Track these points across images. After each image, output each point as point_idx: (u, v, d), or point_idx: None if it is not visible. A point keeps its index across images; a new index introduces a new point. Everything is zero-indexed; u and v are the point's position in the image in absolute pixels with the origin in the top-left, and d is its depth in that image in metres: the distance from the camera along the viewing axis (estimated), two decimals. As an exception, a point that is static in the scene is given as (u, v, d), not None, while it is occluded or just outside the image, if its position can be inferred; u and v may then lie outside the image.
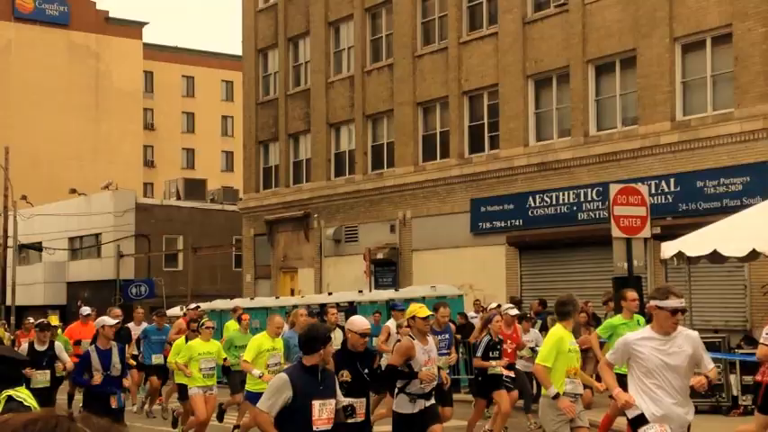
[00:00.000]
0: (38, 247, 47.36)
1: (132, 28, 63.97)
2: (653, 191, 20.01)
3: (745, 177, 19.90)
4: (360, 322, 8.14)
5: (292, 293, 30.36)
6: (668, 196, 21.32)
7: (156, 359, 17.64)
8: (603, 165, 22.73)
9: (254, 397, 10.78)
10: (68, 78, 60.21)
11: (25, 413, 1.46)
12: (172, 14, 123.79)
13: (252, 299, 27.60)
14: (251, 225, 34.83)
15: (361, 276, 28.11)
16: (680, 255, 15.90)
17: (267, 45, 34.68)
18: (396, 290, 23.78)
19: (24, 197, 42.13)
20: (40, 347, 12.84)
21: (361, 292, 23.88)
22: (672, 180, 21.32)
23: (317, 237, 31.44)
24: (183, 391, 14.07)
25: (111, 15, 63.90)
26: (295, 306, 21.92)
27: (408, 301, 21.32)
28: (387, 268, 28.65)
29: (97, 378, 11.23)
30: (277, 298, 26.97)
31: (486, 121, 26.37)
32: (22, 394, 5.84)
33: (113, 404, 11.27)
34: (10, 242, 41.63)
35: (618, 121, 23.05)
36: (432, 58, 27.93)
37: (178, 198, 47.83)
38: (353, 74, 30.71)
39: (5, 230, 41.42)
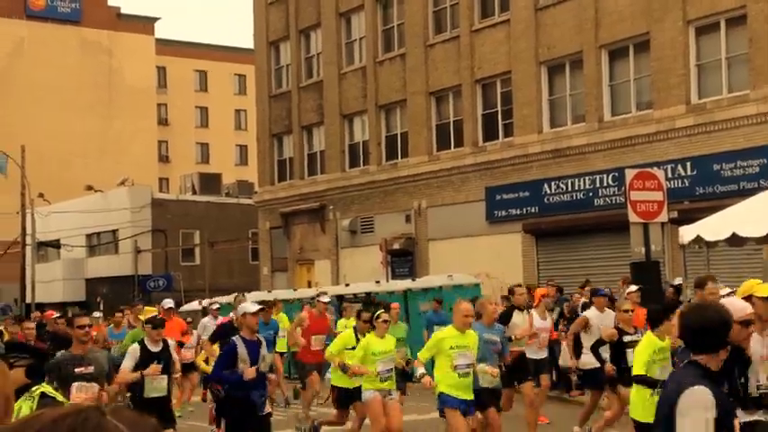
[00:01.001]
0: (56, 244, 47.66)
1: (144, 23, 64.12)
2: (669, 175, 19.90)
3: (762, 159, 19.78)
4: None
5: (309, 285, 30.40)
6: (685, 180, 21.21)
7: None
8: (618, 150, 22.63)
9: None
10: (81, 75, 60.44)
11: (55, 408, 1.45)
12: (183, 9, 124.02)
13: (269, 291, 27.65)
14: (267, 218, 34.90)
15: (377, 267, 28.12)
16: (698, 239, 15.83)
17: (279, 37, 34.67)
18: (412, 279, 23.77)
19: (41, 195, 42.37)
20: (154, 348, 10.18)
21: (378, 282, 23.87)
22: (688, 164, 21.20)
23: (333, 228, 31.48)
24: (344, 396, 12.31)
25: (122, 11, 64.10)
26: (313, 298, 21.97)
27: (425, 290, 21.35)
28: (403, 258, 28.66)
29: (250, 372, 9.47)
30: (294, 290, 27.02)
31: (499, 108, 26.29)
32: (52, 390, 5.91)
33: (266, 408, 9.81)
34: (28, 240, 41.89)
35: (632, 106, 22.93)
36: (444, 46, 27.85)
37: (193, 193, 47.99)
38: (365, 64, 30.67)
39: (23, 228, 41.70)
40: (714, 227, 15.78)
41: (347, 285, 25.03)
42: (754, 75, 20.14)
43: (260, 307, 10.28)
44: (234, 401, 9.65)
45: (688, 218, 17.36)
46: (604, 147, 23.06)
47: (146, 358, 9.99)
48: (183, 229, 45.96)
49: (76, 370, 6.33)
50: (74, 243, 46.97)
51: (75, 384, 6.26)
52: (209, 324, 16.79)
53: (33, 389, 5.82)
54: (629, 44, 22.88)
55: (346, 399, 12.42)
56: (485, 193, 26.06)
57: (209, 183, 48.71)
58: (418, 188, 28.30)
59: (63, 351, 8.56)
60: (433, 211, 27.85)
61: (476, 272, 23.67)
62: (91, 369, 6.46)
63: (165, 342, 10.36)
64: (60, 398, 5.80)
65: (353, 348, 11.41)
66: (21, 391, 5.78)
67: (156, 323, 10.43)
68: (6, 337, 19.65)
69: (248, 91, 60.92)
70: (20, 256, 42.59)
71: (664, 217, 16.44)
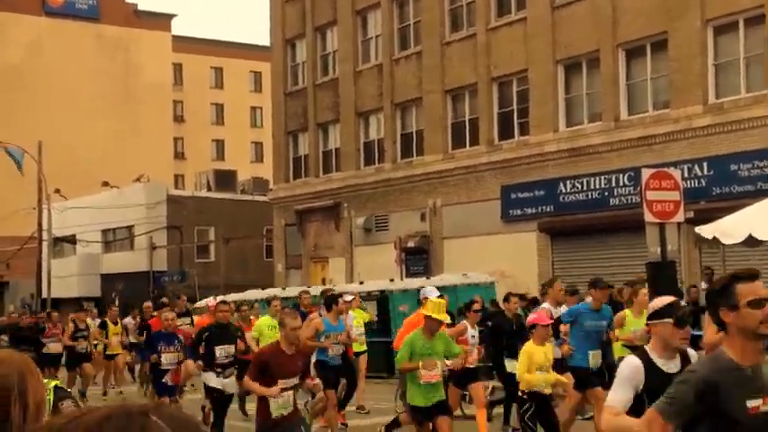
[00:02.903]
0: (72, 239, 47.88)
1: (161, 20, 64.30)
2: (686, 175, 19.80)
3: (780, 160, 19.65)
4: None
5: (323, 283, 30.43)
6: (701, 180, 21.11)
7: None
8: (635, 149, 22.53)
9: None
10: (98, 72, 60.68)
11: (96, 409, 1.39)
12: (200, 6, 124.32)
13: (283, 289, 27.70)
14: (281, 215, 34.96)
15: (392, 265, 28.12)
16: (714, 240, 15.74)
17: (295, 35, 34.71)
18: (427, 278, 23.75)
19: (57, 191, 42.57)
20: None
21: (392, 280, 23.88)
22: (705, 164, 21.09)
23: (348, 226, 31.50)
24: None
25: (139, 8, 64.30)
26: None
27: (440, 289, 21.31)
28: (418, 256, 28.64)
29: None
30: (309, 287, 27.05)
31: (515, 107, 26.23)
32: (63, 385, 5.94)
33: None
34: (44, 235, 42.11)
35: (649, 105, 22.83)
36: (460, 44, 27.80)
37: (209, 189, 48.11)
38: (381, 62, 30.66)
39: (40, 224, 41.90)
40: (730, 227, 15.69)
41: (361, 283, 25.04)
42: (772, 74, 20.01)
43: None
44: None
45: (704, 218, 17.28)
46: (621, 146, 22.97)
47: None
48: (198, 226, 46.07)
49: None
50: (89, 239, 47.18)
51: None
52: None
53: (45, 382, 5.81)
54: (646, 43, 22.77)
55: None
56: (500, 191, 26.01)
57: (225, 180, 48.83)
58: (433, 186, 28.27)
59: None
60: (448, 210, 27.81)
61: (491, 270, 23.64)
62: None
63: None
64: (73, 392, 5.82)
65: None
66: None
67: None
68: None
69: (264, 88, 60.98)
70: (36, 252, 42.81)
71: (680, 217, 16.35)
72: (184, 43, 65.55)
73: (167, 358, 12.88)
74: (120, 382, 20.82)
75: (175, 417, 1.38)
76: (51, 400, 5.67)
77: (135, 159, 57.95)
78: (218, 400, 12.17)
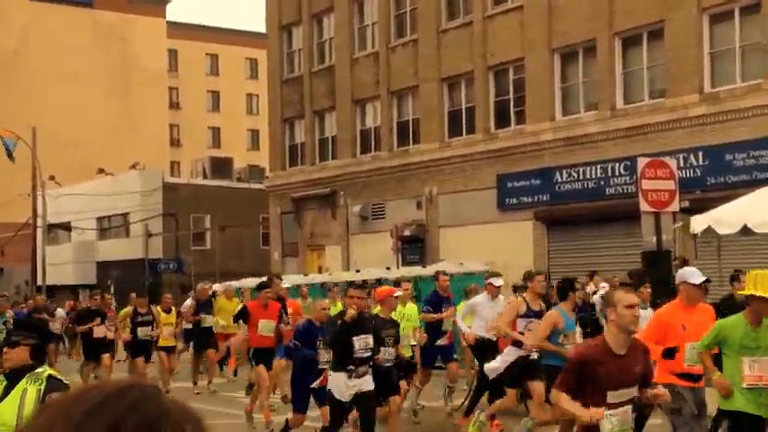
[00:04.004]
0: (67, 226, 47.81)
1: (155, 6, 64.08)
2: (681, 164, 19.85)
3: (775, 149, 19.69)
4: None
5: (320, 271, 30.50)
6: (697, 170, 21.16)
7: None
8: (631, 138, 22.57)
9: None
10: (93, 58, 60.50)
11: (115, 381, 1.37)
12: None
13: (280, 278, 27.72)
14: (277, 203, 34.97)
15: (388, 253, 28.17)
16: (709, 229, 15.80)
17: (291, 22, 34.63)
18: (423, 266, 23.81)
19: (52, 177, 42.50)
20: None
21: (388, 269, 23.92)
22: (700, 153, 21.14)
23: (344, 214, 31.53)
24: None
25: (134, -6, 64.05)
26: (323, 284, 22.04)
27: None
28: (414, 245, 28.69)
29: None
30: (305, 275, 27.10)
31: (511, 95, 26.24)
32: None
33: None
34: (39, 222, 42.07)
35: (645, 94, 22.85)
36: (456, 32, 27.78)
37: (205, 177, 48.08)
38: (378, 50, 30.62)
39: (34, 211, 41.86)
40: (725, 217, 15.76)
41: (357, 271, 25.08)
42: (768, 64, 20.04)
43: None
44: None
45: (700, 207, 17.34)
46: (617, 135, 23.01)
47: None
48: (193, 214, 46.07)
49: None
50: (84, 226, 47.15)
51: None
52: None
53: (40, 370, 5.79)
54: (642, 32, 22.78)
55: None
56: (496, 180, 26.04)
57: (221, 167, 48.80)
58: (430, 175, 28.30)
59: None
60: (445, 198, 27.85)
61: (487, 259, 23.68)
62: None
63: None
64: (67, 382, 5.81)
65: None
66: (23, 372, 5.76)
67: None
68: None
69: (260, 75, 60.87)
70: (30, 239, 42.78)
71: (675, 206, 16.41)
72: (179, 29, 65.35)
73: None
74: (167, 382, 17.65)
75: (179, 404, 1.36)
76: (42, 390, 5.64)
77: (130, 146, 57.86)
78: (339, 412, 10.06)
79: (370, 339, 9.92)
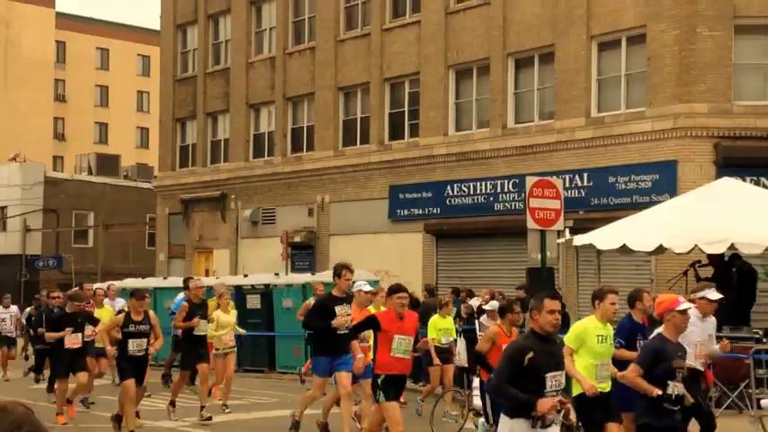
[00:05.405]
0: (-60, 218, 45.75)
1: (44, -5, 62.00)
2: (567, 184, 20.54)
3: (655, 175, 20.62)
4: None
5: (207, 274, 30.15)
6: (581, 190, 21.93)
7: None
8: (520, 157, 23.22)
9: None
10: (-25, 45, 58.06)
11: None
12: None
13: (165, 278, 27.32)
14: (166, 203, 34.39)
15: (277, 259, 28.09)
16: (590, 246, 16.46)
17: (187, 21, 34.17)
18: (312, 273, 23.85)
19: (-73, 167, 40.64)
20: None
21: (277, 274, 23.89)
22: (585, 175, 21.93)
23: (234, 218, 31.27)
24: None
25: (22, -19, 61.77)
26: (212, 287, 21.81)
27: (324, 284, 21.45)
28: (304, 252, 28.71)
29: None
30: (165, 279, 26.82)
31: (406, 108, 26.61)
32: None
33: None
34: None
35: (535, 115, 23.55)
36: (354, 43, 27.99)
37: (90, 173, 46.87)
38: (275, 55, 30.54)
39: None
40: (606, 237, 16.46)
41: (245, 276, 24.93)
42: (651, 92, 20.98)
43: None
44: None
45: (583, 228, 18.02)
46: (507, 153, 23.63)
47: None
48: (76, 210, 44.87)
49: None
50: (-41, 218, 45.20)
51: None
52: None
53: None
54: (534, 54, 23.48)
55: None
56: (388, 191, 26.34)
57: (107, 164, 47.68)
58: (322, 182, 28.38)
59: None
60: (336, 207, 27.99)
61: (376, 269, 23.94)
62: None
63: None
64: None
65: None
66: None
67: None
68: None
69: (152, 73, 59.67)
70: None
71: (560, 225, 17.01)
72: (69, 21, 63.41)
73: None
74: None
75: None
76: None
77: (11, 138, 55.75)
78: None
79: None
